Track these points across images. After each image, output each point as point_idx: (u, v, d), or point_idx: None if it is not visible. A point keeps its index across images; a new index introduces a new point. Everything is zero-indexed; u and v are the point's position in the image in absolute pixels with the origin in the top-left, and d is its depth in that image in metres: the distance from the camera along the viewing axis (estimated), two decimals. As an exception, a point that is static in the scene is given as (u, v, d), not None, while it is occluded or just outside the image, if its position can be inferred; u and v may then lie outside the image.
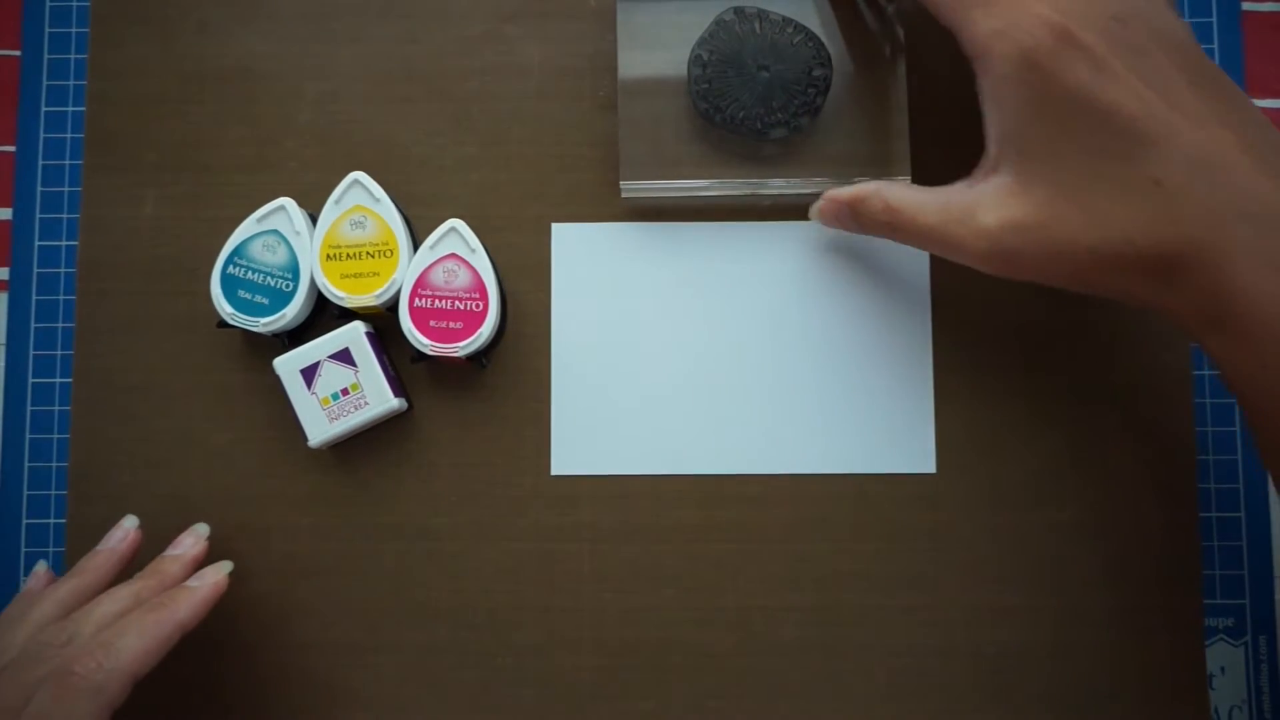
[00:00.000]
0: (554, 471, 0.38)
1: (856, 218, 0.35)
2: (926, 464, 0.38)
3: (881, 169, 0.37)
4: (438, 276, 0.37)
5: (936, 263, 0.39)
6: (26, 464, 0.39)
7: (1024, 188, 0.30)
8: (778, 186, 0.38)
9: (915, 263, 0.39)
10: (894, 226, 0.33)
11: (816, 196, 0.37)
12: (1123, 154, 0.28)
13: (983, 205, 0.30)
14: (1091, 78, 0.28)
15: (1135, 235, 0.28)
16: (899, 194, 0.33)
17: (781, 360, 0.38)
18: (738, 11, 0.37)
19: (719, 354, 0.39)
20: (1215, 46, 0.40)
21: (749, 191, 0.38)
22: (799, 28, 0.37)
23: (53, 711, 0.28)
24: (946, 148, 0.38)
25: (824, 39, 0.37)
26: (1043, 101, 0.29)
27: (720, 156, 0.38)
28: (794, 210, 0.39)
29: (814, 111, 0.37)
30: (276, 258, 0.37)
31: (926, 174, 0.38)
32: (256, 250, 0.37)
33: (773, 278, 0.39)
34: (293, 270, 0.37)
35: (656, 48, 0.38)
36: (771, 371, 0.38)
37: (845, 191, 0.35)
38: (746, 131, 0.37)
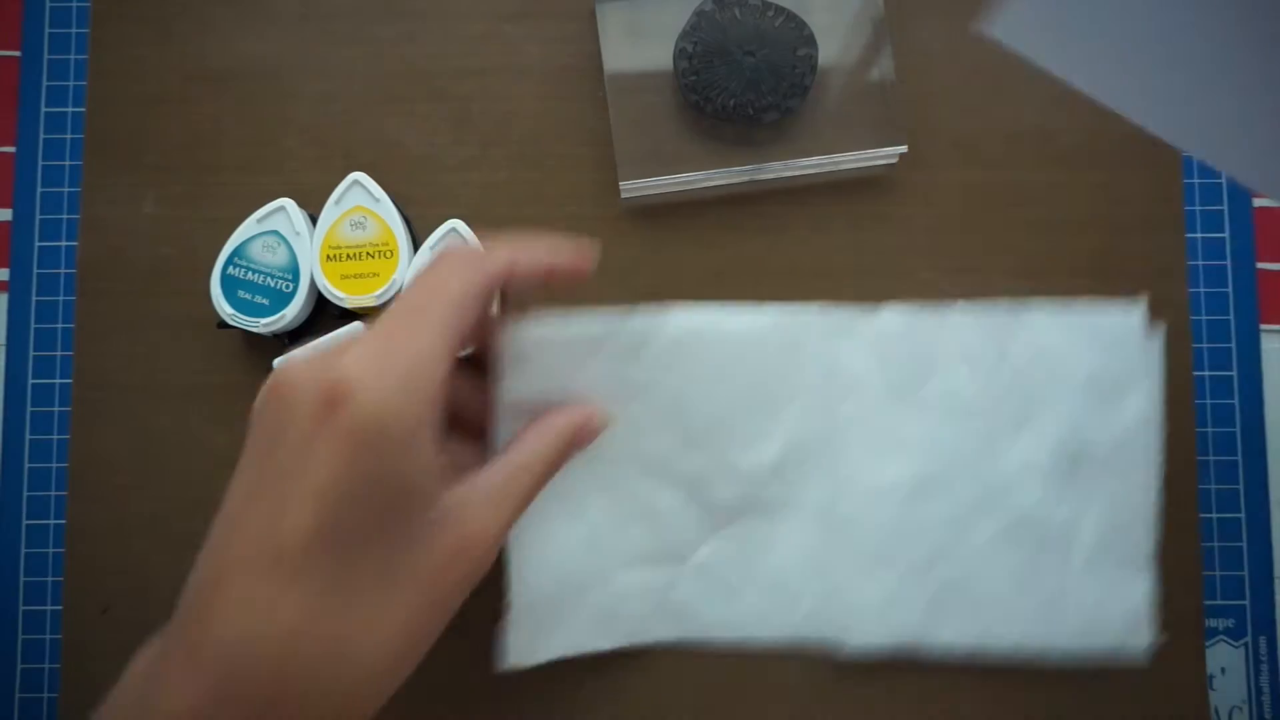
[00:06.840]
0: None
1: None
2: None
3: (877, 139, 0.37)
4: (438, 277, 0.37)
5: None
6: (26, 464, 0.39)
7: None
8: (776, 170, 0.38)
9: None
10: None
11: (816, 177, 0.37)
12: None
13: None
14: None
15: None
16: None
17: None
18: (716, 1, 0.37)
19: None
20: (1216, 46, 0.40)
21: (748, 178, 0.38)
22: (779, 10, 0.37)
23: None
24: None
25: (804, 18, 0.37)
26: None
27: (715, 146, 0.38)
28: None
29: (803, 91, 0.37)
30: (276, 258, 0.37)
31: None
32: (256, 251, 0.37)
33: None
34: (293, 271, 0.37)
35: (640, 45, 0.38)
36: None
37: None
38: (739, 119, 0.37)
